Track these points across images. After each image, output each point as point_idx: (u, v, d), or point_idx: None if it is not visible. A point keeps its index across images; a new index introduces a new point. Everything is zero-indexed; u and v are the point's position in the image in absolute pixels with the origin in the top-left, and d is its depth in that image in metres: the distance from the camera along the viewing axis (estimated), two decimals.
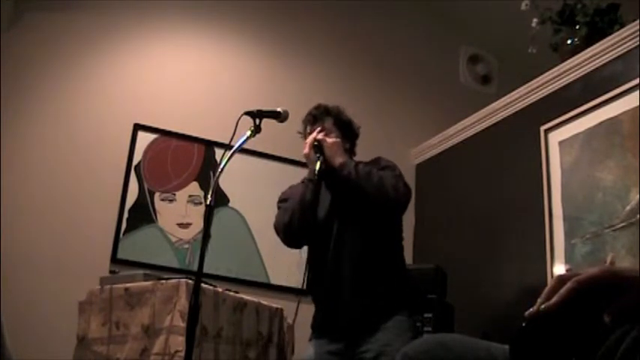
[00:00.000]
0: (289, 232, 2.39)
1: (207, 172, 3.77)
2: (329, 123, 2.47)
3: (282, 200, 2.53)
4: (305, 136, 2.51)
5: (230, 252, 3.66)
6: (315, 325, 2.42)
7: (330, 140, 2.36)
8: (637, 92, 2.71)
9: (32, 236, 3.33)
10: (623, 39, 2.87)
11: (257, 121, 2.17)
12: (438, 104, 4.45)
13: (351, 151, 2.52)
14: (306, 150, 2.35)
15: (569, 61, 3.16)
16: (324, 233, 2.36)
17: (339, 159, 2.32)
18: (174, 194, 3.69)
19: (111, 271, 3.04)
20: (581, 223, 2.90)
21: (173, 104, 3.83)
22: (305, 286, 2.42)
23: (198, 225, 3.63)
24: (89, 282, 2.76)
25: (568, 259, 2.93)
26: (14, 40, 3.56)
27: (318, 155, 2.32)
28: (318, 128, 2.44)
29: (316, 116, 2.49)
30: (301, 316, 2.49)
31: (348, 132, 2.52)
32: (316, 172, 2.28)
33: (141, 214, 3.58)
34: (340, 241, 2.34)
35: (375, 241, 2.35)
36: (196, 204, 3.71)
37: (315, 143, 2.35)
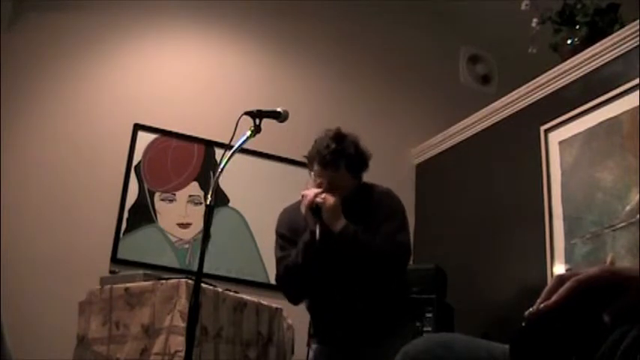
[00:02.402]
0: (291, 292, 2.37)
1: (207, 172, 3.77)
2: (341, 168, 2.27)
3: (281, 235, 2.43)
4: (310, 169, 2.34)
5: (230, 252, 3.66)
6: (314, 333, 2.42)
7: (329, 204, 2.21)
8: (637, 92, 2.71)
9: (32, 236, 3.33)
10: (623, 39, 2.87)
11: (257, 121, 2.16)
12: (438, 104, 4.45)
13: (359, 180, 2.39)
14: (304, 211, 2.25)
15: (569, 61, 3.16)
16: (327, 277, 2.29)
17: (337, 225, 2.21)
18: (174, 194, 3.69)
19: (111, 271, 3.04)
20: (581, 223, 2.90)
21: (173, 104, 3.83)
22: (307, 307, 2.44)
23: (198, 225, 3.63)
24: (89, 282, 2.76)
25: (568, 259, 2.93)
26: (14, 40, 3.56)
27: (316, 220, 2.21)
28: (319, 191, 2.25)
29: (330, 162, 2.26)
30: (301, 315, 2.50)
31: (359, 169, 2.36)
32: (317, 238, 2.19)
33: (141, 214, 3.58)
34: (341, 285, 2.29)
35: (377, 286, 2.31)
36: (196, 204, 3.71)
37: (314, 206, 2.22)
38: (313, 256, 2.21)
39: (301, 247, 2.25)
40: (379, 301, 2.30)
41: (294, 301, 2.42)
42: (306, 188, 2.35)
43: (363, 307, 2.27)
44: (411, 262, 2.42)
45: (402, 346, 0.92)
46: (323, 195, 2.23)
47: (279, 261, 2.38)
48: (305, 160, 2.39)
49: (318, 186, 2.28)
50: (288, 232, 2.39)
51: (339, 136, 2.28)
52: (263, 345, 2.66)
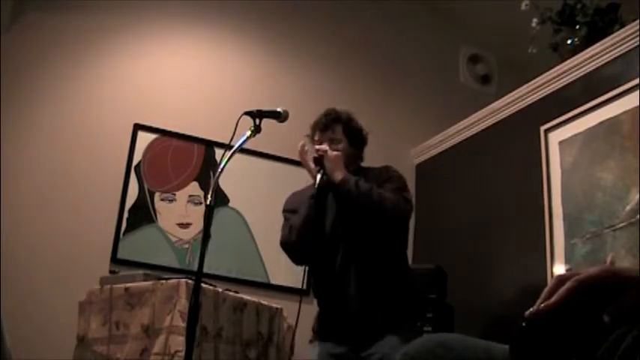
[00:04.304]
0: (293, 250, 2.41)
1: (207, 172, 3.77)
2: (338, 131, 2.47)
3: (287, 210, 2.52)
4: (312, 141, 2.50)
5: (230, 252, 3.66)
6: (318, 329, 2.43)
7: (331, 154, 2.34)
8: (637, 92, 2.70)
9: (32, 236, 3.33)
10: (623, 39, 2.87)
11: (257, 121, 2.17)
12: (438, 104, 4.45)
13: (358, 158, 2.52)
14: (305, 164, 2.39)
15: (569, 61, 3.15)
16: (330, 245, 2.36)
17: (339, 174, 2.31)
18: (174, 194, 3.69)
19: (111, 271, 3.04)
20: (581, 223, 2.90)
21: (173, 104, 3.83)
22: (311, 292, 2.45)
23: (198, 225, 3.63)
24: (89, 282, 2.76)
25: (568, 259, 2.93)
26: (14, 40, 3.56)
27: (318, 168, 2.33)
28: (322, 146, 2.40)
29: (326, 124, 2.47)
30: (302, 315, 2.50)
31: (356, 140, 2.52)
32: (315, 186, 2.29)
33: (141, 214, 3.58)
34: (346, 253, 2.34)
35: (381, 253, 2.35)
36: (196, 204, 3.71)
37: (316, 155, 2.35)
38: (319, 207, 2.30)
39: (305, 205, 2.34)
40: (378, 285, 2.31)
41: (298, 261, 2.46)
42: None
43: (357, 282, 2.29)
44: (411, 262, 2.42)
45: (405, 337, 0.92)
46: (325, 147, 2.37)
47: (283, 226, 2.45)
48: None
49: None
50: (293, 207, 2.46)
51: (334, 108, 2.55)
52: (263, 345, 2.67)
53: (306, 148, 2.44)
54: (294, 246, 2.38)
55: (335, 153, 2.35)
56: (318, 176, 2.31)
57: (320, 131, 2.48)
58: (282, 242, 2.44)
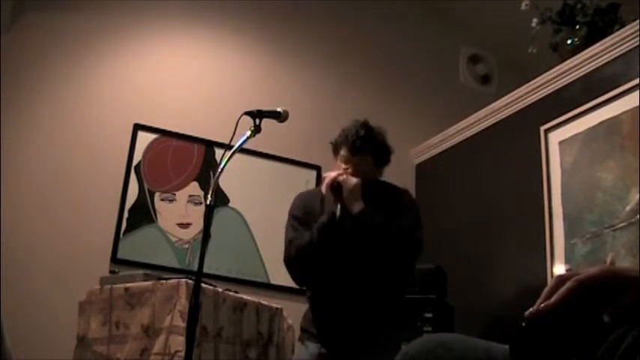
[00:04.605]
0: (299, 274, 2.39)
1: (207, 172, 3.77)
2: (368, 157, 2.34)
3: (295, 217, 2.42)
4: (336, 154, 2.38)
5: (230, 252, 3.66)
6: (308, 328, 2.41)
7: (350, 183, 2.26)
8: (637, 92, 2.71)
9: (32, 236, 3.33)
10: (623, 39, 2.87)
11: (257, 121, 2.16)
12: (438, 104, 4.45)
13: (378, 173, 2.45)
14: (324, 190, 2.30)
15: (569, 61, 3.16)
16: (337, 266, 2.31)
17: (357, 206, 2.25)
18: (174, 194, 3.69)
19: (111, 271, 3.04)
20: (581, 223, 2.90)
21: (173, 104, 3.83)
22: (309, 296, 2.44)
23: (198, 225, 3.63)
24: (89, 282, 2.76)
25: (568, 259, 2.93)
26: (14, 40, 3.56)
27: (336, 198, 2.26)
28: (341, 172, 2.30)
29: (359, 148, 2.32)
30: (300, 316, 2.49)
31: (383, 161, 2.42)
32: (336, 216, 2.24)
33: (141, 214, 3.58)
34: (350, 270, 2.30)
35: (386, 276, 2.33)
36: (196, 204, 3.71)
37: (335, 184, 2.27)
38: (330, 236, 2.24)
39: (318, 226, 2.27)
40: (382, 303, 2.31)
41: (301, 283, 2.44)
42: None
43: (365, 307, 2.28)
44: None
45: (395, 348, 0.92)
46: (344, 175, 2.29)
47: (290, 241, 2.38)
48: (330, 147, 2.42)
49: (345, 171, 2.33)
50: (302, 214, 2.41)
51: (368, 125, 2.36)
52: (263, 345, 2.66)
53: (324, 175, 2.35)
54: (300, 268, 2.36)
55: (353, 183, 2.27)
56: (338, 206, 2.25)
57: (349, 151, 2.32)
58: (286, 261, 2.39)
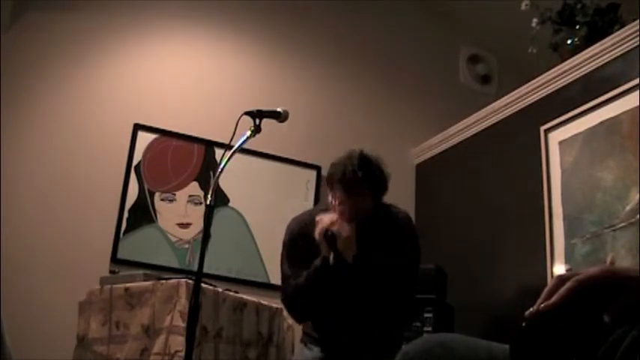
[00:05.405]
0: (298, 315, 2.39)
1: (207, 172, 3.77)
2: (366, 195, 2.22)
3: (289, 247, 2.37)
4: (331, 191, 2.26)
5: (230, 252, 3.66)
6: (312, 334, 2.42)
7: (345, 235, 2.17)
8: (637, 92, 2.70)
9: (32, 236, 3.33)
10: (623, 39, 2.87)
11: (257, 121, 2.16)
12: (438, 104, 4.45)
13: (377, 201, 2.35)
14: (318, 238, 2.19)
15: (569, 61, 3.15)
16: (332, 299, 2.28)
17: (351, 254, 2.19)
18: (174, 194, 3.69)
19: (111, 271, 3.04)
20: (581, 223, 2.90)
21: (173, 104, 3.83)
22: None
23: (198, 225, 3.63)
24: (89, 282, 2.76)
25: (568, 259, 2.93)
26: (14, 40, 3.56)
27: (330, 248, 2.19)
28: (334, 218, 2.19)
29: (354, 189, 2.19)
30: None
31: (381, 194, 2.32)
32: (330, 264, 2.19)
33: (141, 214, 3.58)
34: (348, 307, 2.29)
35: (384, 309, 2.32)
36: (196, 204, 3.71)
37: (329, 234, 2.18)
38: (324, 280, 2.20)
39: (312, 271, 2.22)
40: (382, 331, 2.32)
41: (300, 322, 2.45)
42: (324, 206, 2.35)
43: (365, 336, 2.29)
44: None
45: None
46: (337, 224, 2.17)
47: (286, 279, 2.34)
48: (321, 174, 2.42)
49: (341, 212, 2.21)
50: (296, 244, 2.35)
51: (365, 161, 2.21)
52: (263, 345, 2.66)
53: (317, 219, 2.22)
54: (298, 309, 2.35)
55: (348, 233, 2.18)
56: (331, 256, 2.18)
57: (345, 192, 2.20)
58: (284, 301, 2.38)
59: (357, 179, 2.16)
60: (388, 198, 2.42)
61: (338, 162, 2.24)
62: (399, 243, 2.30)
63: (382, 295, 2.25)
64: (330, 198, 2.28)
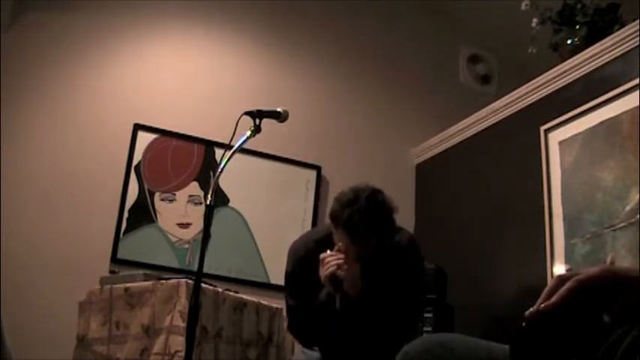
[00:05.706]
0: (306, 342, 2.42)
1: (207, 172, 3.77)
2: (372, 241, 2.12)
3: (292, 276, 2.35)
4: (336, 234, 2.16)
5: (230, 252, 3.66)
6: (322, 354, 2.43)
7: (350, 276, 2.15)
8: (637, 92, 2.70)
9: (32, 236, 3.33)
10: (623, 39, 2.87)
11: (257, 121, 2.17)
12: (438, 104, 4.45)
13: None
14: (323, 279, 2.14)
15: (569, 61, 3.15)
16: (338, 330, 2.27)
17: (356, 295, 2.19)
18: (174, 194, 3.69)
19: (111, 271, 3.04)
20: (581, 223, 2.90)
21: (173, 104, 3.83)
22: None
23: (198, 225, 3.63)
24: (89, 282, 2.76)
25: (568, 259, 2.93)
26: (14, 40, 3.56)
27: (335, 289, 2.16)
28: (340, 260, 2.10)
29: (361, 240, 2.09)
30: None
31: (389, 238, 2.26)
32: (336, 305, 2.17)
33: (141, 214, 3.58)
34: (353, 336, 2.28)
35: (389, 337, 2.29)
36: (196, 204, 3.71)
37: (334, 276, 2.12)
38: (329, 315, 2.20)
39: (317, 307, 2.21)
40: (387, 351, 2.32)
41: (307, 346, 2.45)
42: (326, 229, 2.31)
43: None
44: None
45: None
46: (343, 268, 2.10)
47: (291, 310, 2.34)
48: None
49: (346, 251, 2.13)
50: (300, 276, 2.32)
51: (372, 206, 2.07)
52: (263, 345, 2.66)
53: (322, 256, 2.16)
54: (304, 337, 2.40)
55: (354, 277, 2.16)
56: (337, 298, 2.16)
57: (350, 238, 2.09)
58: (290, 330, 2.42)
59: (364, 229, 2.06)
60: None
61: (343, 199, 2.11)
62: (405, 275, 2.29)
63: (388, 328, 2.25)
64: (334, 236, 2.19)
